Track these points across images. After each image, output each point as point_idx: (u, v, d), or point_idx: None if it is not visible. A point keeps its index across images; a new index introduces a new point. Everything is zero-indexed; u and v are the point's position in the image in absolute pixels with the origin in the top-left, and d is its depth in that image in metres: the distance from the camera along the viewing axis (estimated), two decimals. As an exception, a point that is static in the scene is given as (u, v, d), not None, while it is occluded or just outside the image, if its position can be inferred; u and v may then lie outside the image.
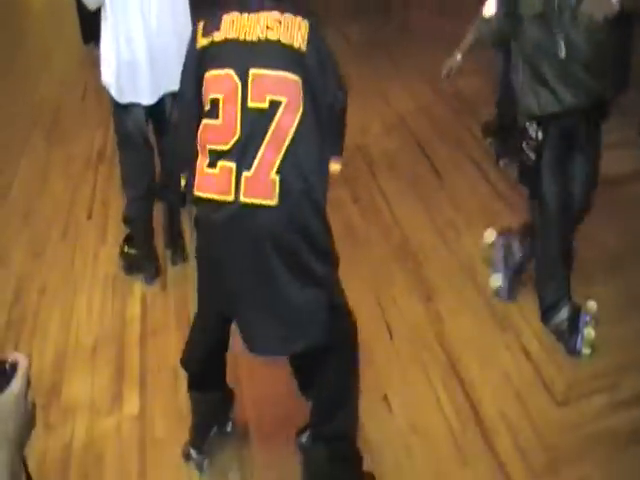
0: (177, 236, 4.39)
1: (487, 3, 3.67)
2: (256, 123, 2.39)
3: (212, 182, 2.44)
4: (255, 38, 2.44)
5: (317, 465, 2.83)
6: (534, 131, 3.44)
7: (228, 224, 2.43)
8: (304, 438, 2.95)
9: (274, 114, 2.39)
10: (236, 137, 2.39)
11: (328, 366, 2.67)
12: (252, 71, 2.40)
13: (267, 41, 2.44)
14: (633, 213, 4.31)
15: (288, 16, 2.47)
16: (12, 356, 1.37)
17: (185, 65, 2.62)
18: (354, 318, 2.77)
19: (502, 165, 4.96)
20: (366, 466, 2.93)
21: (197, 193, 2.50)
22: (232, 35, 2.46)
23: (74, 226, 4.91)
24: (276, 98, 2.40)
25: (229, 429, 3.24)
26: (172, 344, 3.73)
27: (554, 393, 3.36)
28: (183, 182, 2.79)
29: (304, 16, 2.49)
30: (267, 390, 3.47)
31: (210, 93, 2.46)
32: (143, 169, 4.06)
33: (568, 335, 3.56)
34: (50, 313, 4.15)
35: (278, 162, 2.38)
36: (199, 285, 2.79)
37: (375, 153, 5.32)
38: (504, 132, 4.85)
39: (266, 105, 2.39)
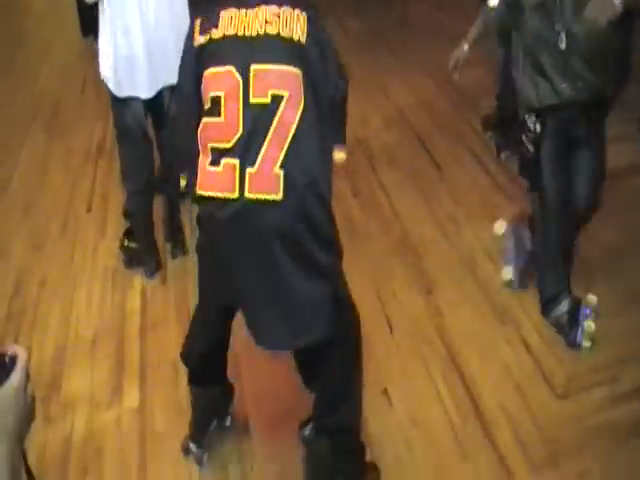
0: (177, 229, 4.39)
1: None
2: (259, 119, 2.38)
3: (215, 180, 2.43)
4: (254, 33, 2.43)
5: (320, 457, 2.83)
6: (532, 123, 3.44)
7: (233, 221, 2.41)
8: (307, 431, 2.95)
9: (276, 109, 2.38)
10: (239, 134, 2.38)
11: (332, 359, 2.66)
12: (253, 67, 2.39)
13: (266, 36, 2.43)
14: (633, 207, 4.31)
15: (286, 9, 2.45)
16: (11, 349, 1.37)
17: (183, 63, 2.61)
18: (357, 311, 2.76)
19: (503, 158, 4.95)
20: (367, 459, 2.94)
21: (200, 192, 2.49)
22: (231, 31, 2.44)
23: (74, 219, 4.91)
24: (278, 92, 2.39)
25: (228, 423, 3.24)
26: (172, 337, 3.73)
27: (554, 386, 3.36)
28: (183, 182, 2.77)
29: (302, 8, 2.48)
30: (267, 384, 3.47)
31: (210, 91, 2.45)
32: (142, 163, 4.05)
33: (568, 328, 3.56)
34: (50, 306, 4.15)
35: (281, 156, 2.37)
36: (200, 281, 2.78)
37: (375, 146, 5.31)
38: (504, 125, 4.84)
39: (268, 100, 2.38)
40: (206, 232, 2.60)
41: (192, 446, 3.14)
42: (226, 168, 2.39)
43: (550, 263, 3.66)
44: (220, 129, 2.42)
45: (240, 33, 2.43)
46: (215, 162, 2.42)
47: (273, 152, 2.37)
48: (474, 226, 4.38)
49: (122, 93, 3.79)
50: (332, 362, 2.68)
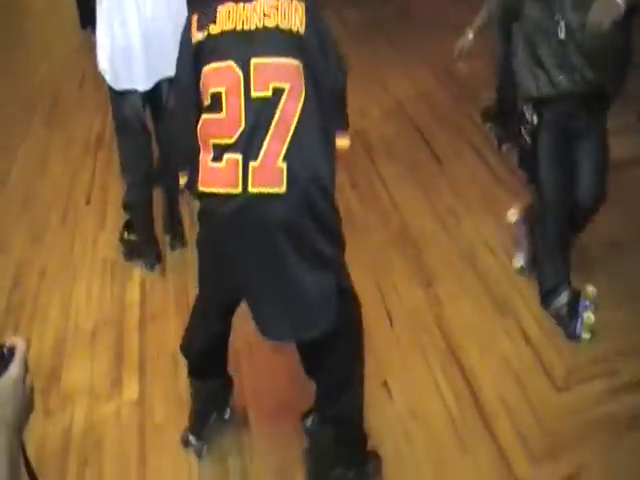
0: (176, 221, 4.39)
1: None
2: (261, 113, 2.36)
3: (218, 176, 2.42)
4: (253, 27, 2.41)
5: (322, 447, 2.85)
6: (530, 114, 3.44)
7: (236, 215, 2.40)
8: (309, 422, 2.95)
9: (278, 102, 2.36)
10: (241, 129, 2.36)
11: (335, 350, 2.66)
12: (253, 60, 2.37)
13: (265, 29, 2.41)
14: (634, 198, 4.30)
15: (284, 0, 2.44)
16: (10, 340, 1.37)
17: (180, 60, 2.59)
18: (359, 303, 2.76)
19: (504, 150, 4.94)
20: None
21: (202, 189, 2.48)
22: (229, 26, 2.42)
23: (73, 211, 4.91)
24: (279, 85, 2.37)
25: (227, 416, 3.24)
26: (171, 329, 3.73)
27: (554, 378, 3.36)
28: (182, 181, 2.75)
29: None
30: (266, 377, 3.47)
31: (210, 87, 2.43)
32: (141, 155, 4.04)
33: (568, 320, 3.56)
34: (49, 298, 4.15)
35: (284, 149, 2.35)
36: (202, 276, 2.76)
37: (374, 138, 5.30)
38: (504, 117, 4.83)
39: (270, 93, 2.37)
40: (208, 227, 2.59)
41: (191, 438, 3.14)
42: (229, 163, 2.38)
43: (548, 254, 3.66)
44: (222, 125, 2.40)
45: (239, 27, 2.42)
46: (217, 158, 2.41)
47: (276, 145, 2.35)
48: (474, 219, 4.37)
49: (119, 85, 3.78)
50: (335, 353, 2.67)
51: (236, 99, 2.37)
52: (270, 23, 2.41)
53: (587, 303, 3.55)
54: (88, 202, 4.99)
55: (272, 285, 2.48)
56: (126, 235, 4.39)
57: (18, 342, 1.37)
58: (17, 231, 4.76)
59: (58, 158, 5.55)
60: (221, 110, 2.40)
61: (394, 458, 3.05)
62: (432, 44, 6.31)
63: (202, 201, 2.54)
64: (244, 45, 2.40)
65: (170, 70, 2.81)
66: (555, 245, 3.63)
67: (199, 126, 2.48)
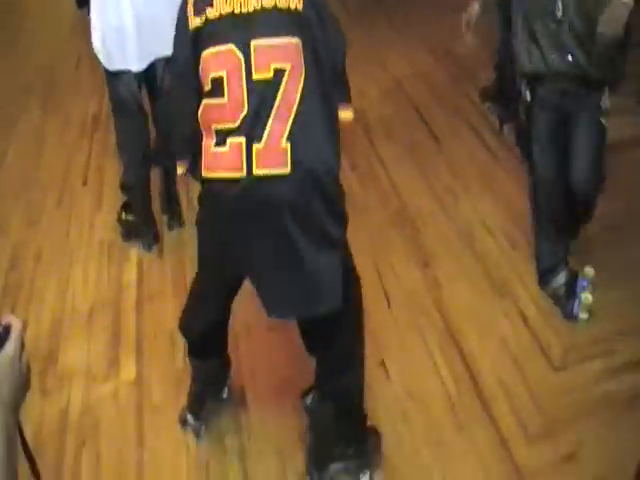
0: (173, 201, 4.38)
1: None
2: (263, 94, 2.35)
3: (222, 160, 2.40)
4: (251, 9, 2.38)
5: (323, 424, 2.85)
6: (524, 91, 3.42)
7: (241, 198, 2.39)
8: (309, 400, 2.95)
9: (279, 82, 2.34)
10: (244, 112, 2.34)
11: (338, 328, 2.66)
12: (253, 42, 2.35)
13: (263, 10, 2.38)
14: (632, 179, 4.29)
15: None
16: (5, 319, 1.36)
17: (178, 45, 2.56)
18: (360, 283, 2.76)
19: (506, 131, 4.91)
20: (363, 431, 2.95)
21: (206, 174, 2.47)
22: (227, 10, 2.39)
23: (69, 193, 4.89)
24: (280, 65, 2.35)
25: (225, 395, 3.25)
26: (169, 310, 3.73)
27: (551, 358, 3.36)
28: (181, 170, 2.73)
29: None
30: (263, 356, 3.48)
31: (211, 72, 2.40)
32: (138, 135, 4.03)
33: (565, 300, 3.56)
34: (46, 280, 4.15)
35: (287, 129, 2.34)
36: (202, 258, 2.75)
37: (372, 119, 5.28)
38: (506, 98, 4.80)
39: (271, 75, 2.35)
40: (211, 210, 2.57)
41: (190, 418, 3.14)
42: (232, 147, 2.36)
43: (543, 233, 3.65)
44: (224, 110, 2.38)
45: (237, 10, 2.39)
46: (220, 143, 2.39)
47: (279, 126, 2.34)
48: (472, 198, 4.36)
49: (113, 66, 3.76)
50: (339, 331, 2.67)
51: (238, 83, 2.35)
52: (268, 3, 2.38)
53: (585, 283, 3.55)
54: (84, 183, 4.97)
55: (278, 265, 2.47)
56: (124, 216, 4.38)
57: (14, 321, 1.36)
58: (13, 213, 4.75)
59: (54, 140, 5.53)
60: (223, 95, 2.37)
61: (392, 438, 3.05)
62: (431, 25, 6.28)
63: (205, 185, 2.53)
64: (243, 28, 2.38)
65: (164, 50, 2.79)
66: (548, 223, 3.62)
67: (200, 112, 2.46)
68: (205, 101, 2.45)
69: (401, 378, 3.34)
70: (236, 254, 2.53)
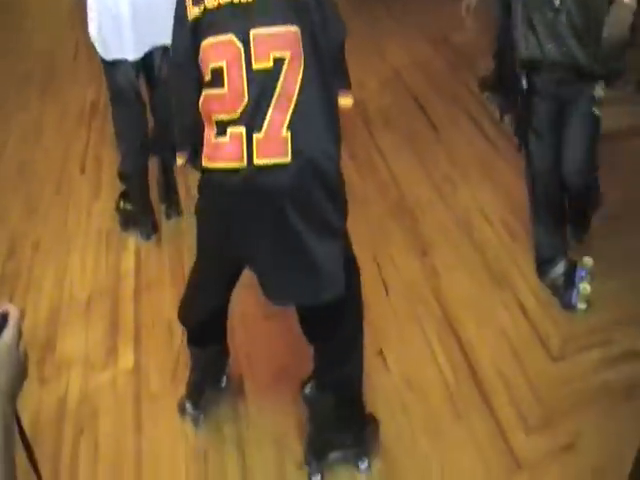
0: (171, 190, 4.37)
1: None
2: (263, 84, 2.33)
3: (222, 151, 2.39)
4: None
5: (323, 414, 2.85)
6: (522, 79, 3.42)
7: (242, 188, 2.38)
8: (308, 389, 2.95)
9: (279, 71, 2.33)
10: (244, 103, 2.33)
11: (340, 317, 2.65)
12: (252, 32, 2.33)
13: None
14: (630, 168, 4.29)
15: None
16: (3, 307, 1.35)
17: (177, 36, 2.53)
18: (360, 272, 2.76)
19: (507, 121, 4.90)
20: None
21: (207, 165, 2.46)
22: None
23: (67, 182, 4.88)
24: (280, 54, 2.34)
25: (223, 384, 3.25)
26: (167, 298, 3.73)
27: (550, 348, 3.36)
28: (180, 161, 2.72)
29: None
30: (261, 345, 3.48)
31: (211, 62, 2.39)
32: (136, 124, 4.02)
33: (564, 290, 3.56)
34: (44, 268, 4.14)
35: (287, 118, 2.33)
36: (201, 247, 2.74)
37: (371, 109, 5.27)
38: (506, 87, 4.78)
39: (271, 64, 2.33)
40: (211, 199, 2.56)
41: (188, 406, 3.14)
42: (232, 137, 2.36)
43: (541, 223, 3.65)
44: (224, 100, 2.37)
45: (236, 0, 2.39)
46: (221, 133, 2.39)
47: (279, 115, 2.33)
48: (470, 187, 4.37)
49: (109, 55, 3.75)
50: (340, 320, 2.67)
51: (238, 73, 2.33)
52: None
53: (583, 273, 3.55)
54: (83, 172, 4.95)
55: (279, 253, 2.47)
56: (122, 205, 4.37)
57: (11, 309, 1.35)
58: (12, 202, 4.73)
59: (52, 129, 5.51)
60: (223, 85, 2.36)
61: (390, 428, 3.05)
62: (430, 14, 6.26)
63: (205, 175, 2.52)
64: (242, 17, 2.35)
65: (161, 39, 2.77)
66: (545, 212, 3.61)
67: (201, 102, 2.45)
68: (205, 91, 2.43)
69: (399, 367, 3.34)
70: (236, 243, 2.52)
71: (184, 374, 3.20)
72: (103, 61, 3.81)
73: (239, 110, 2.33)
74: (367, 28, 6.25)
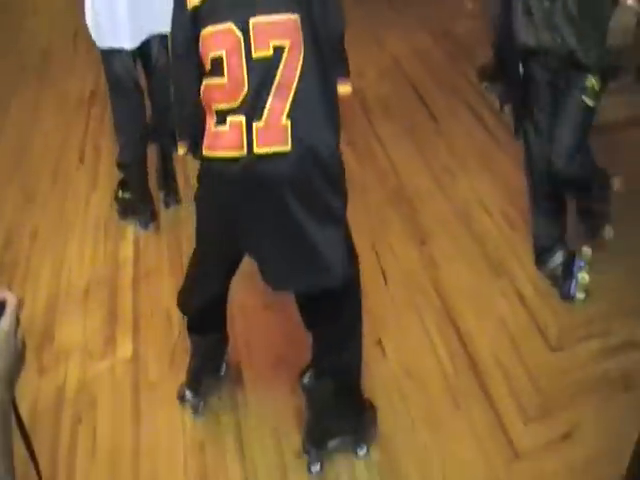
0: (170, 178, 4.36)
1: None
2: (263, 73, 2.33)
3: (223, 139, 2.39)
4: None
5: (322, 401, 2.85)
6: (520, 67, 3.41)
7: (242, 176, 2.39)
8: (306, 378, 2.95)
9: (279, 60, 2.33)
10: (244, 92, 2.33)
11: (339, 304, 2.66)
12: (252, 20, 2.32)
13: None
14: (629, 159, 4.27)
15: None
16: (0, 295, 1.35)
17: (176, 26, 2.53)
18: (358, 260, 2.75)
19: (507, 111, 4.87)
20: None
21: (207, 153, 2.46)
22: None
23: (66, 171, 4.87)
24: (279, 43, 2.33)
25: (223, 371, 3.25)
26: (165, 287, 3.74)
27: (548, 338, 3.36)
28: (182, 150, 2.72)
29: None
30: (259, 334, 3.48)
31: (210, 52, 2.38)
32: (135, 113, 4.01)
33: (562, 280, 3.56)
34: (42, 257, 4.14)
35: (287, 107, 2.33)
36: (201, 235, 2.74)
37: (370, 98, 5.26)
38: (506, 76, 4.76)
39: (270, 52, 2.33)
40: (211, 187, 2.57)
41: (188, 394, 3.15)
42: (232, 126, 2.36)
43: (540, 213, 3.63)
44: (224, 89, 2.37)
45: None
46: (221, 122, 2.39)
47: (279, 104, 2.33)
48: (469, 177, 4.36)
49: (104, 44, 3.74)
50: (339, 307, 2.67)
51: (237, 62, 2.33)
52: None
53: (582, 264, 3.54)
54: (81, 161, 4.95)
55: (280, 240, 2.48)
56: (120, 193, 4.36)
57: (9, 296, 1.34)
58: (9, 191, 4.72)
59: (51, 117, 5.50)
60: (222, 74, 2.36)
61: (388, 417, 3.05)
62: (431, 5, 6.24)
63: (204, 163, 2.52)
64: (242, 5, 2.35)
65: (158, 27, 2.74)
66: (543, 200, 3.60)
67: (202, 92, 2.45)
68: (206, 81, 2.43)
69: (398, 356, 3.34)
70: (236, 231, 2.52)
71: (182, 363, 3.20)
72: (101, 50, 3.80)
73: (239, 99, 2.33)
74: (367, 18, 6.23)
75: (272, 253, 2.53)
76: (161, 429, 3.13)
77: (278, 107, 2.33)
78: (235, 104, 2.34)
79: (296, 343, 3.06)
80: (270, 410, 3.13)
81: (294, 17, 2.35)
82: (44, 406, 3.26)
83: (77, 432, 3.16)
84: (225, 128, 2.37)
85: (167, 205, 4.36)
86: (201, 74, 2.45)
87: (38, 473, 1.48)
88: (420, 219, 4.11)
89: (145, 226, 4.23)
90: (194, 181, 2.63)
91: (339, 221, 2.52)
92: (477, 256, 3.83)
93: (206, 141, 2.47)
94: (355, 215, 3.71)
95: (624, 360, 3.22)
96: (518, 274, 3.70)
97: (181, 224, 4.11)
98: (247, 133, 2.33)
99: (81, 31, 6.25)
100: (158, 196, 4.37)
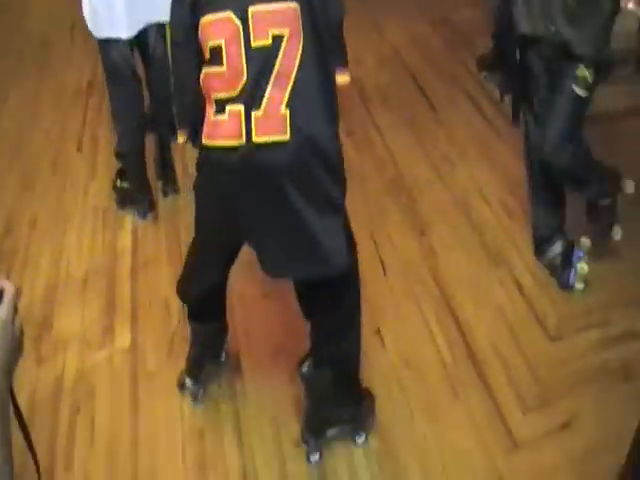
0: (168, 167, 4.35)
1: None
2: (262, 62, 2.32)
3: (221, 128, 2.39)
4: None
5: (321, 390, 2.85)
6: (517, 54, 3.40)
7: (241, 165, 2.38)
8: (305, 367, 2.95)
9: (278, 49, 2.32)
10: (243, 81, 2.32)
11: (336, 294, 2.66)
12: (251, 9, 2.31)
13: None
14: (629, 149, 4.26)
15: None
16: (-2, 283, 1.34)
17: (175, 15, 2.52)
18: (357, 250, 2.75)
19: (507, 101, 4.85)
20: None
21: (206, 142, 2.46)
22: None
23: (64, 160, 4.86)
24: (278, 32, 2.32)
25: (223, 358, 3.26)
26: (163, 276, 3.73)
27: (547, 328, 3.36)
28: (182, 139, 2.71)
29: None
30: (258, 323, 3.48)
31: (209, 40, 2.37)
32: (132, 102, 3.99)
33: (561, 270, 3.55)
34: (41, 246, 4.13)
35: (286, 96, 2.32)
36: (200, 223, 2.74)
37: (369, 87, 5.24)
38: (506, 66, 4.74)
39: (269, 41, 2.32)
40: (210, 176, 2.56)
41: (188, 382, 3.15)
42: (231, 115, 2.35)
43: (539, 202, 3.63)
44: (223, 78, 2.36)
45: None
46: (220, 111, 2.38)
47: (278, 93, 2.32)
48: (468, 166, 4.35)
49: (101, 34, 3.72)
50: (339, 296, 2.68)
51: (236, 51, 2.32)
52: None
53: (581, 254, 3.54)
54: (79, 150, 4.94)
55: (279, 229, 2.47)
56: (119, 183, 4.34)
57: (6, 285, 1.34)
58: (8, 179, 4.71)
59: (49, 106, 5.48)
60: (222, 63, 2.35)
61: (387, 406, 3.06)
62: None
63: (204, 152, 2.52)
64: None
65: (156, 16, 2.72)
66: (543, 192, 3.59)
67: (201, 80, 2.44)
68: (205, 70, 2.42)
69: (397, 346, 3.34)
70: (235, 220, 2.52)
71: (180, 352, 3.20)
72: (98, 39, 3.78)
73: (238, 88, 2.33)
74: (366, 6, 6.19)
75: (271, 242, 2.52)
76: (159, 418, 3.13)
77: (277, 96, 2.32)
78: (234, 93, 2.34)
79: (295, 332, 3.06)
80: (269, 399, 3.14)
81: (293, 5, 2.34)
82: (42, 396, 3.26)
83: (75, 422, 3.16)
84: (224, 117, 2.37)
85: (165, 194, 4.35)
86: (201, 62, 2.44)
87: (36, 463, 1.48)
88: (419, 208, 4.10)
89: (143, 215, 4.22)
90: (192, 170, 2.62)
91: (338, 210, 2.52)
92: (476, 245, 3.82)
93: (205, 130, 2.47)
94: (354, 205, 3.71)
95: (623, 350, 3.22)
96: (517, 264, 3.70)
97: (179, 213, 4.11)
98: (246, 122, 2.33)
99: (78, 23, 6.23)
100: (156, 185, 4.36)
